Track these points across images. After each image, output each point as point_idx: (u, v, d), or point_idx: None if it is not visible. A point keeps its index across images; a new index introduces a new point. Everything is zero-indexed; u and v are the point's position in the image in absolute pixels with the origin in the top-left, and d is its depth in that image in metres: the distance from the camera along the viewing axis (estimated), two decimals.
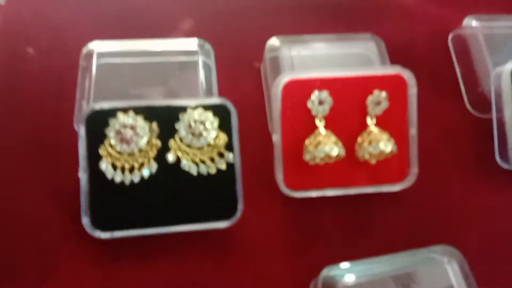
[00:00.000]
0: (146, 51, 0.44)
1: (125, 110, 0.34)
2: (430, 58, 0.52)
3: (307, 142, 0.39)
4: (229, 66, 0.48)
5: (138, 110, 0.34)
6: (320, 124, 0.40)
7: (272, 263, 0.40)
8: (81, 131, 0.33)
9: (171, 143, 0.35)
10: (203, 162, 0.35)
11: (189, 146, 0.35)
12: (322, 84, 0.40)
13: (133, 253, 0.38)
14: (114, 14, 0.49)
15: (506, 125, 0.44)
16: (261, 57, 0.47)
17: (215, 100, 0.36)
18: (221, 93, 0.43)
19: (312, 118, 0.40)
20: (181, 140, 0.35)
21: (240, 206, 0.36)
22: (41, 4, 0.48)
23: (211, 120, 0.36)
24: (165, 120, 0.35)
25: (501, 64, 0.45)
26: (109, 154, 0.34)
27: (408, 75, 0.41)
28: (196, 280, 0.38)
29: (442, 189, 0.45)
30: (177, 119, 0.35)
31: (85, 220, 0.34)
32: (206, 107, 0.36)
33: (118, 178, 0.34)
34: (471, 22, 0.50)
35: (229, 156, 0.36)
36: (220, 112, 0.36)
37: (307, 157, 0.39)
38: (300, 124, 0.40)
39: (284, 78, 0.39)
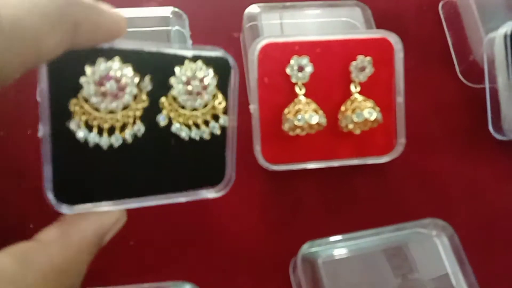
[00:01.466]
0: None
1: (108, 56, 0.25)
2: (420, 26, 0.49)
3: (286, 111, 0.37)
4: (208, 37, 0.45)
5: (124, 57, 0.26)
6: (300, 91, 0.37)
7: (251, 239, 0.38)
8: (43, 74, 0.24)
9: (163, 101, 0.28)
10: (196, 125, 0.29)
11: (182, 106, 0.28)
12: (301, 48, 0.37)
13: None
14: None
15: (499, 93, 0.42)
16: (241, 27, 0.45)
17: (216, 52, 0.29)
18: None
19: (292, 86, 0.38)
20: (174, 98, 0.28)
21: (233, 174, 0.31)
22: None
23: (212, 77, 0.29)
24: (157, 72, 0.27)
25: (494, 31, 0.43)
26: (83, 111, 0.25)
27: (394, 39, 0.39)
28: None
29: (431, 161, 0.43)
30: (171, 72, 0.28)
31: (50, 195, 0.25)
32: (206, 60, 0.29)
33: (93, 140, 0.26)
34: None
35: (225, 120, 0.30)
36: (218, 67, 0.29)
37: (285, 126, 0.36)
38: (279, 93, 0.38)
39: (261, 42, 0.37)
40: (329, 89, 0.38)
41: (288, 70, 0.37)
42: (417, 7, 0.50)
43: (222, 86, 0.30)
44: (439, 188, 0.42)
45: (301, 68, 0.37)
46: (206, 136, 0.29)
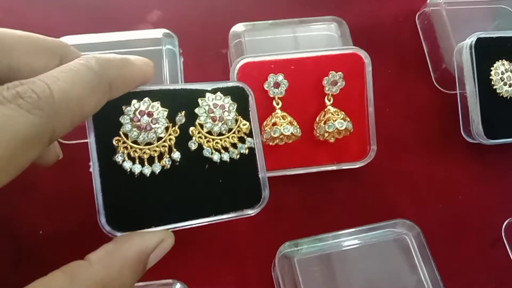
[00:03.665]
0: (113, 43, 0.46)
1: (140, 96, 0.30)
2: (398, 36, 0.52)
3: (264, 123, 0.41)
4: (198, 54, 0.49)
5: (153, 96, 0.30)
6: (277, 106, 0.41)
7: (236, 240, 0.42)
8: (90, 121, 0.29)
9: (191, 130, 0.31)
10: (224, 148, 0.33)
11: (209, 132, 0.32)
12: (277, 66, 0.41)
13: None
14: (84, 9, 0.51)
15: (468, 99, 0.45)
16: (228, 44, 0.48)
17: (232, 83, 0.34)
18: (188, 80, 0.45)
19: (270, 100, 0.41)
20: (201, 126, 0.32)
21: (266, 192, 0.34)
22: (12, 3, 0.50)
23: (231, 104, 0.33)
24: (183, 106, 0.32)
25: (463, 41, 0.46)
26: (125, 145, 0.29)
27: (364, 54, 0.42)
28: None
29: (405, 164, 0.46)
30: (195, 104, 0.32)
31: (102, 220, 0.29)
32: (224, 91, 0.33)
33: (137, 170, 0.30)
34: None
35: (251, 141, 0.33)
36: (236, 95, 0.33)
37: (264, 137, 0.40)
38: (260, 107, 0.41)
39: (240, 62, 0.41)
40: (305, 102, 0.42)
41: (265, 86, 0.41)
42: (394, 18, 0.53)
43: (243, 111, 0.34)
44: (412, 190, 0.45)
45: (277, 84, 0.41)
46: (236, 156, 0.33)
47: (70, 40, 0.45)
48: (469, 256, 0.43)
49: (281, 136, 0.40)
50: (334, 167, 0.43)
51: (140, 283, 0.36)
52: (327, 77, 0.41)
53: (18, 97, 0.22)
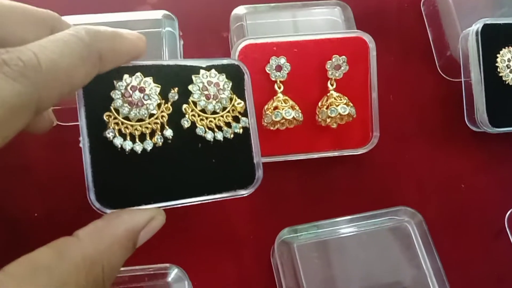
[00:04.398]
0: (111, 23, 0.44)
1: (132, 71, 0.29)
2: (402, 23, 0.51)
3: (265, 107, 0.40)
4: (198, 37, 0.48)
5: (145, 71, 0.30)
6: (278, 89, 0.40)
7: (236, 225, 0.41)
8: (79, 95, 0.28)
9: (184, 107, 0.31)
10: (218, 127, 0.32)
11: (203, 110, 0.31)
12: (279, 48, 0.40)
13: None
14: None
15: (473, 87, 0.44)
16: (229, 27, 0.47)
17: (227, 60, 0.33)
18: None
19: (272, 84, 0.40)
20: (194, 104, 0.31)
21: (260, 173, 0.33)
22: None
23: (226, 82, 0.32)
24: (176, 82, 0.31)
25: (469, 27, 0.45)
26: (116, 121, 0.29)
27: (368, 38, 0.41)
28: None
29: (408, 151, 0.45)
30: (189, 81, 0.31)
31: (92, 197, 0.29)
32: (219, 68, 0.32)
33: (128, 146, 0.29)
34: None
35: (245, 121, 0.33)
36: (231, 74, 0.33)
37: (265, 121, 0.39)
38: (261, 90, 0.40)
39: (241, 44, 0.40)
40: (307, 86, 0.41)
41: (267, 69, 0.40)
42: (399, 4, 0.52)
43: (238, 90, 0.33)
44: (414, 178, 0.44)
45: (279, 68, 0.40)
46: (229, 136, 0.32)
47: (68, 20, 0.44)
48: (471, 245, 0.42)
49: (283, 121, 0.39)
50: (336, 153, 0.42)
51: (137, 267, 0.35)
52: (330, 61, 0.40)
53: (3, 65, 0.21)
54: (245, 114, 0.33)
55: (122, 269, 0.34)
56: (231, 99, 0.32)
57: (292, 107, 0.39)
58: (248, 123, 0.33)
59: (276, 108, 0.39)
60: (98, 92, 0.28)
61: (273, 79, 0.40)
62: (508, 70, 0.43)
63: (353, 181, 0.43)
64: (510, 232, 0.43)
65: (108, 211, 0.28)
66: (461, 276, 0.41)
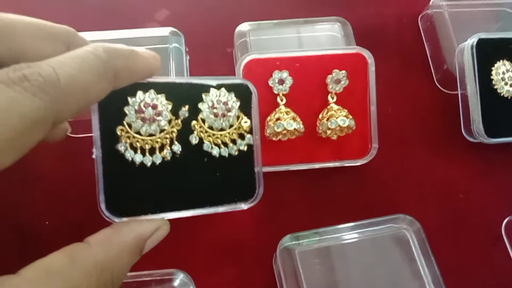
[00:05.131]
0: (120, 40, 0.46)
1: (145, 88, 0.30)
2: (401, 37, 0.53)
3: (268, 118, 0.41)
4: (204, 53, 0.50)
5: (158, 88, 0.31)
6: (281, 102, 0.42)
7: (239, 232, 0.42)
8: (94, 109, 0.29)
9: (194, 124, 0.32)
10: (224, 143, 0.33)
11: (210, 127, 0.33)
12: (282, 63, 0.42)
13: None
14: (92, 7, 0.52)
15: (469, 99, 0.45)
16: (233, 43, 0.49)
17: (236, 80, 0.35)
18: None
19: (274, 96, 0.42)
20: (203, 121, 0.32)
21: (261, 189, 0.35)
22: (20, 1, 0.51)
23: (234, 101, 0.34)
24: (187, 99, 0.32)
25: (465, 42, 0.46)
26: (128, 135, 0.30)
27: (367, 54, 0.43)
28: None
29: (407, 161, 0.47)
30: (199, 98, 0.33)
31: (102, 206, 0.30)
32: (228, 87, 0.34)
33: (138, 159, 0.30)
34: (438, 1, 0.51)
35: (250, 138, 0.34)
36: (240, 92, 0.34)
37: (267, 132, 0.41)
38: (264, 102, 0.42)
39: (246, 58, 0.42)
40: (308, 99, 0.43)
41: (270, 83, 0.42)
42: (397, 20, 0.54)
43: (245, 108, 0.35)
44: (413, 188, 0.46)
45: (281, 81, 0.42)
46: (234, 152, 0.34)
47: None
48: (469, 253, 0.43)
49: (284, 131, 0.41)
50: (336, 164, 0.44)
51: (144, 272, 0.36)
52: (330, 75, 0.42)
53: (24, 80, 0.22)
54: (250, 131, 0.35)
55: (129, 274, 0.35)
56: (238, 117, 0.34)
57: (294, 119, 0.41)
58: (253, 141, 0.34)
59: (278, 119, 0.41)
60: (112, 106, 0.29)
61: (276, 92, 0.42)
62: (503, 82, 0.45)
63: (352, 190, 0.45)
64: (508, 239, 0.44)
65: (117, 219, 0.30)
66: (459, 283, 0.42)
